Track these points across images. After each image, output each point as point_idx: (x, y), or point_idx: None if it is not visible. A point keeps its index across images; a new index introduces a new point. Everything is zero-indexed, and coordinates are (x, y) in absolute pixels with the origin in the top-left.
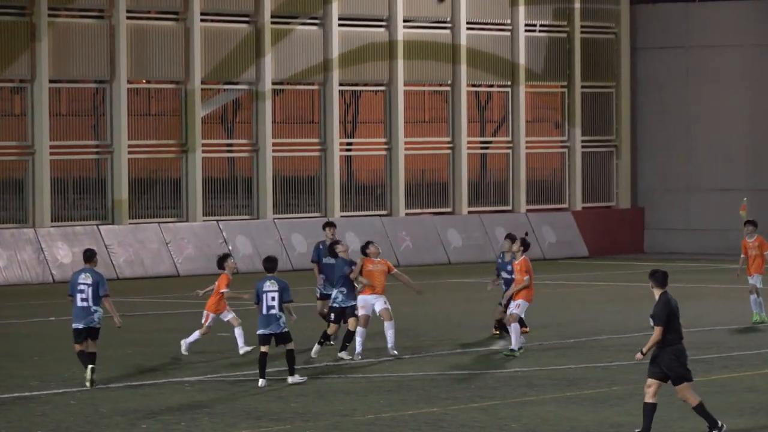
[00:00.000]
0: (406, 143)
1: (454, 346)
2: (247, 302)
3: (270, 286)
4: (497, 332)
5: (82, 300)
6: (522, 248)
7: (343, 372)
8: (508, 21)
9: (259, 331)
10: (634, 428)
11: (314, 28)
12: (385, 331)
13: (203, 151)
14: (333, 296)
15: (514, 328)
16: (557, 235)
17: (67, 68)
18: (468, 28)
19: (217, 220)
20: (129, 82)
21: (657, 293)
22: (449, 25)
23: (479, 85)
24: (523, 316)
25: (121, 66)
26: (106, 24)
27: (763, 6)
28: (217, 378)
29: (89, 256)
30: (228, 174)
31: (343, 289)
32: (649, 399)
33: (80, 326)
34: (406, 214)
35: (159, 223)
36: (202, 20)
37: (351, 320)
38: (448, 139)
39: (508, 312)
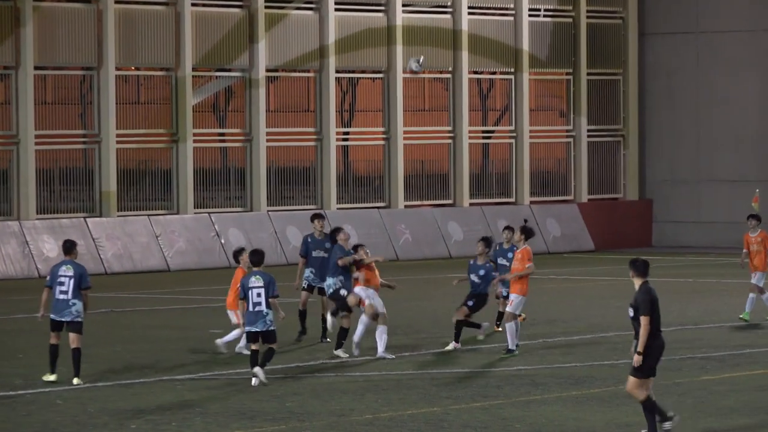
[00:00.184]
0: (405, 133)
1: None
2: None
3: (255, 282)
4: (498, 328)
5: (62, 292)
6: (524, 236)
7: (340, 370)
8: (511, 5)
9: (247, 329)
10: (641, 428)
11: (310, 12)
12: (377, 335)
13: (194, 141)
14: (330, 284)
15: (509, 328)
16: (562, 228)
17: (53, 54)
18: (469, 13)
19: (209, 213)
20: (117, 69)
21: (637, 283)
22: (450, 9)
23: (481, 73)
24: (518, 312)
25: (109, 52)
26: (94, 8)
27: None
28: (209, 376)
29: (69, 247)
30: (220, 165)
31: (341, 278)
32: (644, 398)
33: (57, 318)
34: (406, 207)
35: (149, 215)
36: (193, 4)
37: (344, 320)
38: (449, 128)
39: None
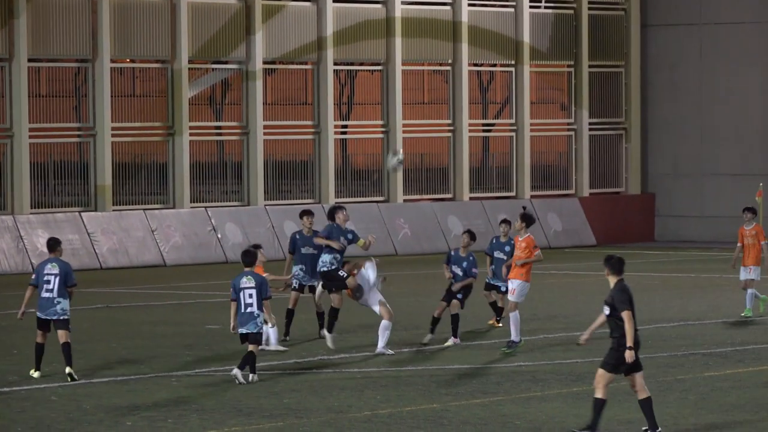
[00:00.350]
0: (404, 126)
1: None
2: (289, 281)
3: (247, 283)
4: (499, 323)
5: (47, 291)
6: (524, 224)
7: (338, 366)
8: None
9: (240, 330)
10: (643, 426)
11: (308, 4)
12: (380, 329)
13: (191, 134)
14: (325, 261)
15: (513, 318)
16: (563, 223)
17: (47, 46)
18: (469, 5)
19: (206, 207)
20: (112, 61)
21: (612, 281)
22: (450, 1)
23: (481, 65)
24: (521, 300)
25: (104, 44)
26: None
27: None
28: (205, 373)
29: (53, 245)
30: (217, 158)
31: (338, 255)
32: (601, 395)
33: (42, 316)
34: (405, 201)
35: (144, 210)
36: None
37: (335, 296)
38: (449, 121)
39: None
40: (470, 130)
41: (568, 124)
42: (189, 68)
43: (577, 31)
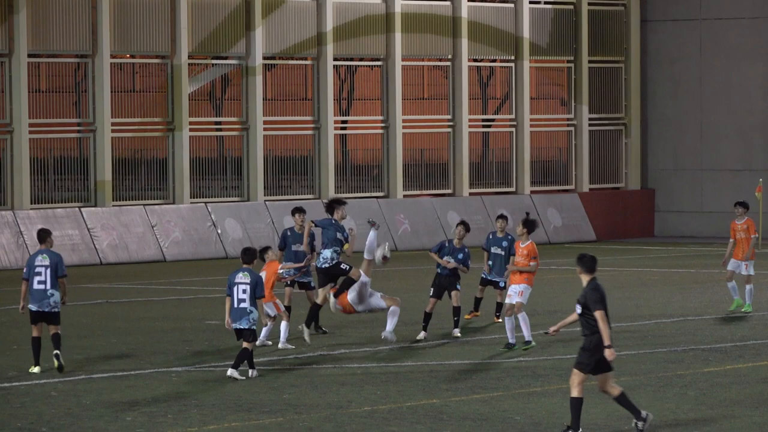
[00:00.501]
0: (404, 121)
1: (455, 334)
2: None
3: (242, 278)
4: (498, 319)
5: (39, 282)
6: (526, 230)
7: (338, 362)
8: None
9: (234, 326)
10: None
11: None
12: (388, 314)
13: (191, 130)
14: (327, 257)
15: (523, 318)
16: (563, 218)
17: (47, 42)
18: (469, 0)
19: (206, 203)
20: (112, 56)
21: (585, 279)
22: None
23: (481, 60)
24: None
25: (103, 39)
26: None
27: None
28: (205, 368)
29: (43, 236)
30: (217, 154)
31: (337, 248)
32: (576, 394)
33: (35, 308)
34: (404, 196)
35: (144, 205)
36: None
37: (321, 292)
38: (449, 116)
39: (510, 301)
40: (470, 126)
41: (568, 119)
42: (189, 64)
43: (577, 26)
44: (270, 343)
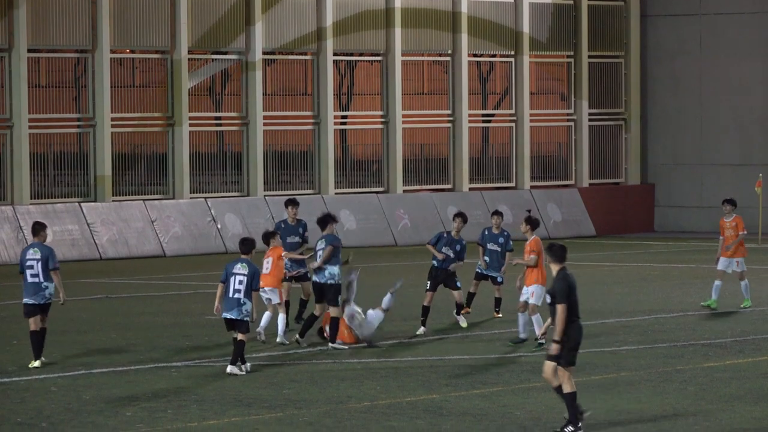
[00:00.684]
0: (404, 116)
1: (455, 329)
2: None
3: (240, 269)
4: (498, 314)
5: (32, 276)
6: (530, 227)
7: (338, 357)
8: None
9: (224, 314)
10: (643, 416)
11: None
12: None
13: (190, 125)
14: (333, 274)
15: (536, 320)
16: (563, 213)
17: (47, 37)
18: None
19: (205, 198)
20: (112, 51)
21: (555, 269)
22: None
23: (481, 55)
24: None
25: (103, 34)
26: None
27: None
28: (205, 363)
29: (37, 230)
30: (216, 149)
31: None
32: (556, 384)
33: (30, 301)
34: (404, 191)
35: (144, 200)
36: None
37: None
38: (448, 111)
39: (523, 298)
40: (470, 121)
41: (568, 114)
42: (189, 59)
43: (577, 21)
44: (288, 342)
